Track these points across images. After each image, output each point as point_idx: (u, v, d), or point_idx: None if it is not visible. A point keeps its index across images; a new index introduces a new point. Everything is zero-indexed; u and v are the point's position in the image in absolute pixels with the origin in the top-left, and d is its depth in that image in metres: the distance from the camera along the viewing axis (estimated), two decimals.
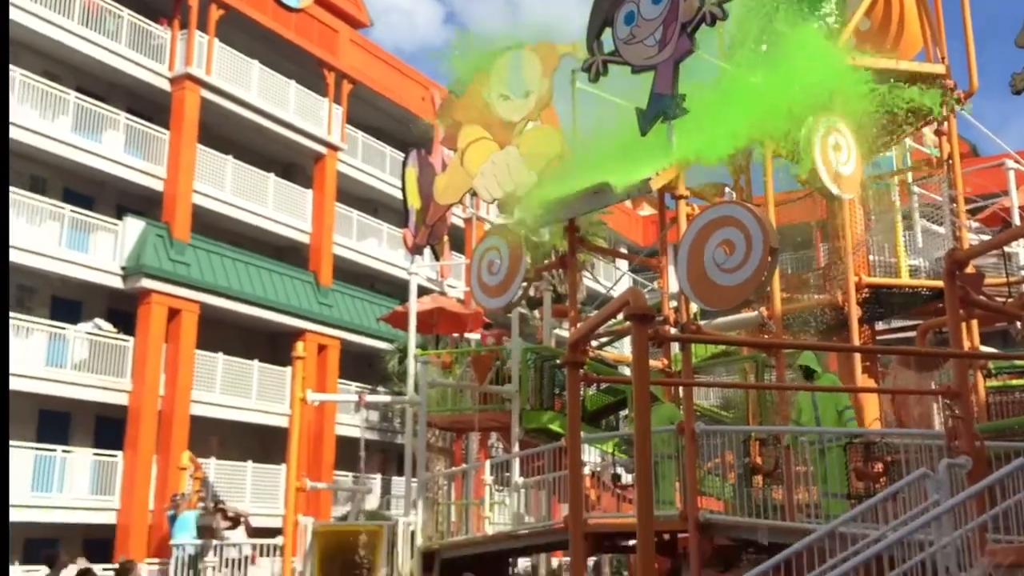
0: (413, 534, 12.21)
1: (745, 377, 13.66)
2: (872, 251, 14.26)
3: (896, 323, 16.51)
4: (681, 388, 11.19)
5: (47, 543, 19.01)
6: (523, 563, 16.51)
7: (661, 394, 11.82)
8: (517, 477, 12.02)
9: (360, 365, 27.68)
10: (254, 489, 22.62)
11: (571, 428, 7.63)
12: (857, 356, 12.88)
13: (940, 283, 10.14)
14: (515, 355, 13.05)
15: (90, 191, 22.63)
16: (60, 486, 19.78)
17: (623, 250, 27.31)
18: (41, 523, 19.13)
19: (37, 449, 19.57)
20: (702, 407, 13.84)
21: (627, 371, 14.63)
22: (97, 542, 20.25)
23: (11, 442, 17.77)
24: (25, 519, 18.20)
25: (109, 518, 20.67)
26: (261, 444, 24.27)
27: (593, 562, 19.05)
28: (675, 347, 13.45)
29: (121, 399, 21.37)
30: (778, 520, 9.61)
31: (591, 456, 14.50)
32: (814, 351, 11.30)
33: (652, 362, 12.69)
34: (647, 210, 35.55)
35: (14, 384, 17.83)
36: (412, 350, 14.43)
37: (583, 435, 9.35)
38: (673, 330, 12.55)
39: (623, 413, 14.10)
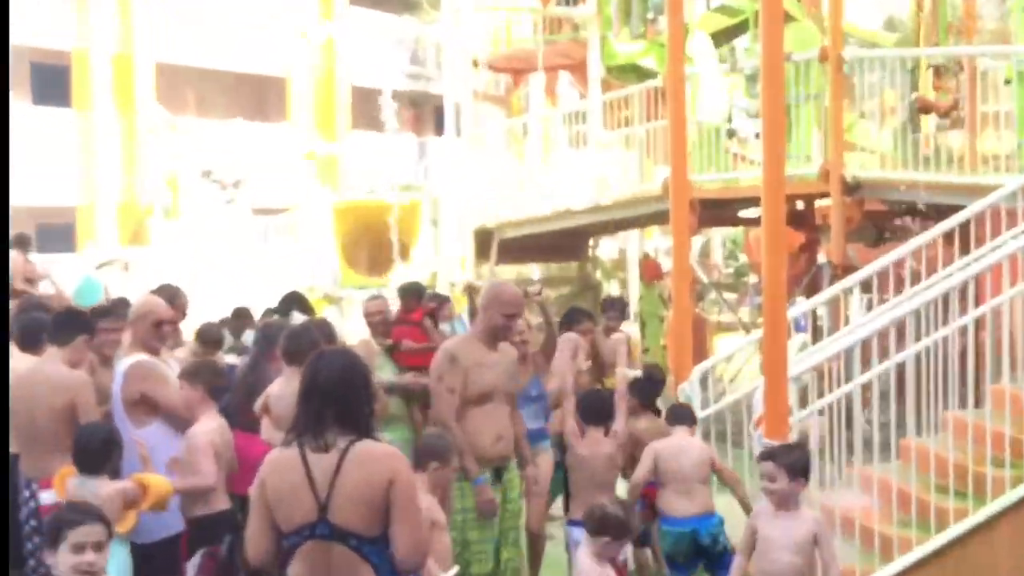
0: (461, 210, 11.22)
1: None
2: None
3: None
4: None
5: None
6: (608, 245, 14.49)
7: (798, 11, 10.50)
8: (597, 131, 10.88)
9: None
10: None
11: (672, 59, 6.97)
12: None
13: None
14: None
15: None
16: None
17: None
18: None
19: None
20: (855, 29, 12.04)
21: None
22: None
23: None
24: None
25: None
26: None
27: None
28: None
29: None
30: (952, 176, 8.47)
31: None
32: None
33: None
34: None
35: None
36: None
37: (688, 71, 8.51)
38: None
39: (740, 43, 12.13)
